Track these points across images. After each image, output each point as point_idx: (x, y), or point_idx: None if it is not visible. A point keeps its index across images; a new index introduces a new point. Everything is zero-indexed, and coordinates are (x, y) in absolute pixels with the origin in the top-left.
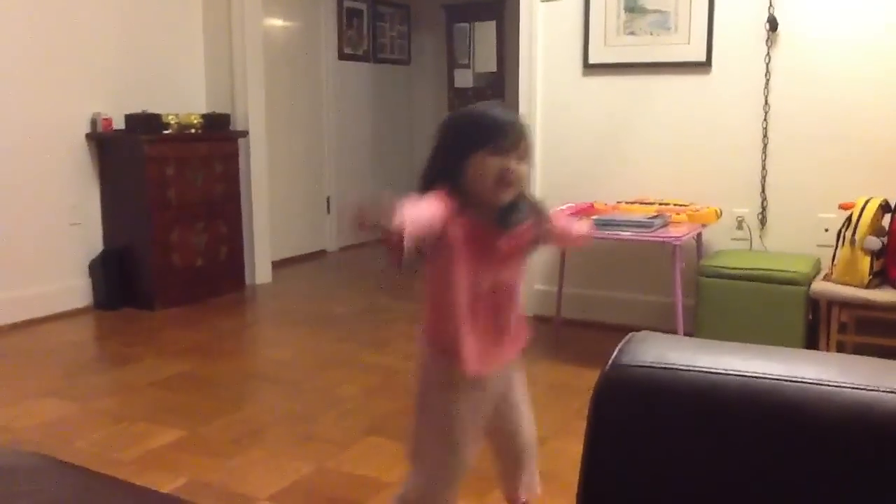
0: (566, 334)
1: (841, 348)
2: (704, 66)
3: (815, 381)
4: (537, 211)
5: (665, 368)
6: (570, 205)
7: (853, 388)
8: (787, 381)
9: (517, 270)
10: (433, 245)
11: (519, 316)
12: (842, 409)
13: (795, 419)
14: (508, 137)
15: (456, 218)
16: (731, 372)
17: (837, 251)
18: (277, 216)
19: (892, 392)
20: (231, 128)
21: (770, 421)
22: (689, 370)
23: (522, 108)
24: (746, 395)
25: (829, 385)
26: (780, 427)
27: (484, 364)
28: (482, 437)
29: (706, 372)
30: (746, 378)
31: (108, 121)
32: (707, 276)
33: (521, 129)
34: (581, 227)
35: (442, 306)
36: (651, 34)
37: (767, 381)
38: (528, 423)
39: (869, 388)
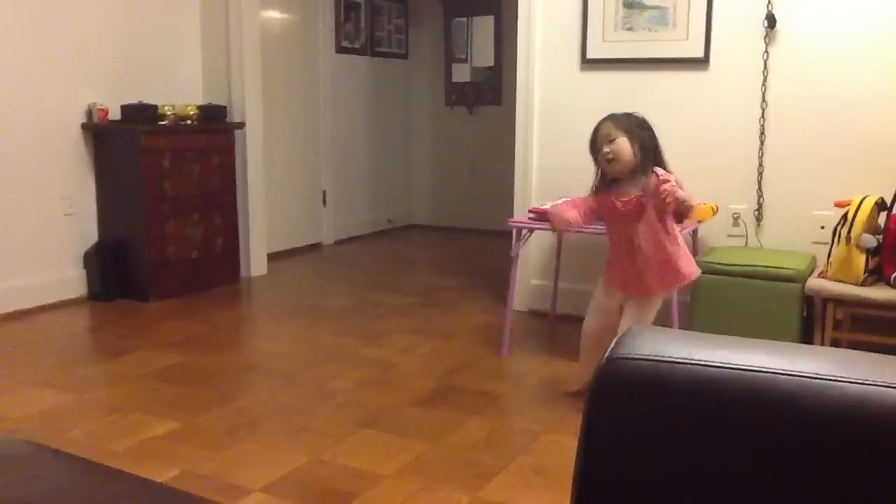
0: (562, 329)
1: (835, 345)
2: (702, 62)
3: (812, 375)
4: (644, 181)
5: (662, 361)
6: (565, 199)
7: (850, 382)
8: (784, 374)
9: (638, 229)
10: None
11: (656, 267)
12: (839, 403)
13: (792, 413)
14: (592, 142)
15: (599, 196)
16: (728, 365)
17: (833, 248)
18: (273, 209)
19: (888, 386)
20: (227, 120)
21: (767, 414)
22: (686, 363)
23: (520, 104)
24: (743, 389)
25: (826, 379)
26: (776, 420)
27: (609, 280)
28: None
29: (703, 365)
30: (743, 371)
31: (104, 111)
32: (703, 273)
33: (595, 130)
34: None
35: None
36: (649, 30)
37: (764, 374)
38: (630, 320)
39: (866, 382)
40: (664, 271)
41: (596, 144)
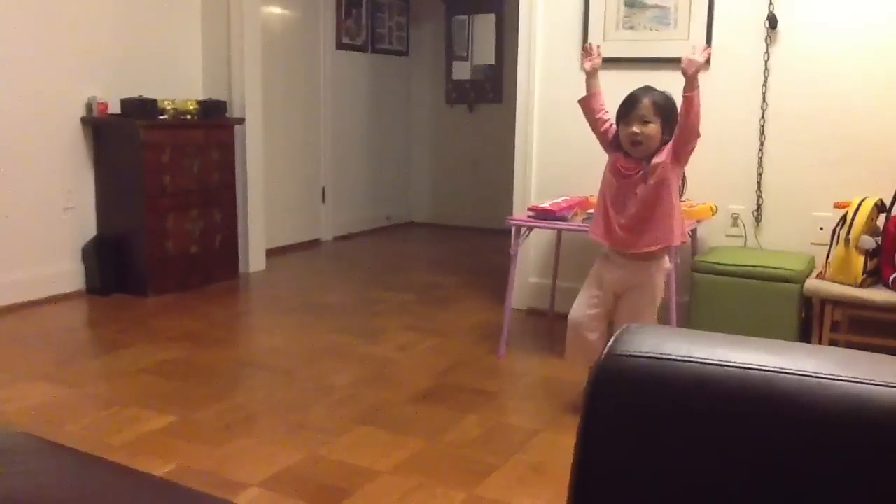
0: (560, 328)
1: (833, 346)
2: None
3: (811, 374)
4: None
5: (661, 359)
6: (565, 198)
7: (849, 381)
8: (783, 373)
9: (636, 189)
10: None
11: (649, 229)
12: (837, 402)
13: (791, 411)
14: (625, 110)
15: (614, 149)
16: (727, 363)
17: (832, 250)
18: (272, 205)
19: (887, 386)
20: (227, 115)
21: (765, 413)
22: (685, 361)
23: (520, 102)
24: (741, 387)
25: (825, 378)
26: (775, 419)
27: (605, 237)
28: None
29: (702, 363)
30: (742, 369)
31: (104, 105)
32: (701, 273)
33: (632, 101)
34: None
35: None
36: (650, 29)
37: (763, 372)
38: (626, 314)
39: (865, 381)
40: (649, 230)
41: (628, 116)
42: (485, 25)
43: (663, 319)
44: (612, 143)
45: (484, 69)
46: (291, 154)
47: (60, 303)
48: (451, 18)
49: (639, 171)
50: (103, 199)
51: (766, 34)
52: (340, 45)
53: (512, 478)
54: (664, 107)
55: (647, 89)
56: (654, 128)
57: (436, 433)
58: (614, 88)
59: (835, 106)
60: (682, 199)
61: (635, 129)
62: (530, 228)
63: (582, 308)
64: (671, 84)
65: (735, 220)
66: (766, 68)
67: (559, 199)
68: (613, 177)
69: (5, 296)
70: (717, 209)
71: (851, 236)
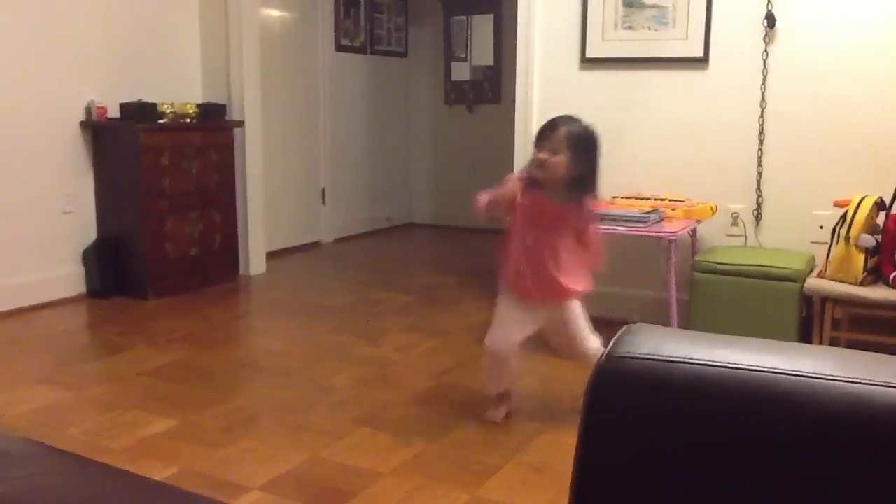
0: None
1: (834, 345)
2: (702, 61)
3: (811, 375)
4: (580, 199)
5: (661, 360)
6: None
7: (850, 381)
8: (783, 374)
9: (559, 238)
10: (510, 209)
11: (564, 274)
12: (838, 403)
13: (791, 412)
14: (541, 135)
15: (525, 192)
16: (728, 365)
17: (832, 248)
18: (272, 207)
19: (888, 386)
20: (227, 118)
21: (766, 414)
22: (685, 362)
23: (519, 102)
24: (742, 388)
25: (825, 378)
26: (775, 420)
27: (522, 292)
28: (527, 331)
29: (702, 364)
30: (742, 371)
31: (103, 109)
32: (701, 272)
33: (550, 127)
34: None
35: (507, 251)
36: (649, 29)
37: (764, 374)
38: (582, 335)
39: (865, 381)
40: (575, 277)
41: (541, 141)
42: (483, 26)
43: (664, 319)
44: (526, 185)
45: (483, 70)
46: (291, 156)
47: (61, 306)
48: (450, 19)
49: (573, 205)
50: (103, 202)
51: (764, 33)
52: (339, 47)
53: (514, 478)
54: (579, 138)
55: (568, 119)
56: (562, 158)
57: (437, 434)
58: (613, 88)
59: (834, 104)
60: (680, 199)
61: (543, 155)
62: None
63: (510, 336)
64: (668, 83)
65: (735, 219)
66: (765, 67)
67: None
68: (539, 222)
69: (6, 300)
70: (716, 209)
71: (851, 234)
